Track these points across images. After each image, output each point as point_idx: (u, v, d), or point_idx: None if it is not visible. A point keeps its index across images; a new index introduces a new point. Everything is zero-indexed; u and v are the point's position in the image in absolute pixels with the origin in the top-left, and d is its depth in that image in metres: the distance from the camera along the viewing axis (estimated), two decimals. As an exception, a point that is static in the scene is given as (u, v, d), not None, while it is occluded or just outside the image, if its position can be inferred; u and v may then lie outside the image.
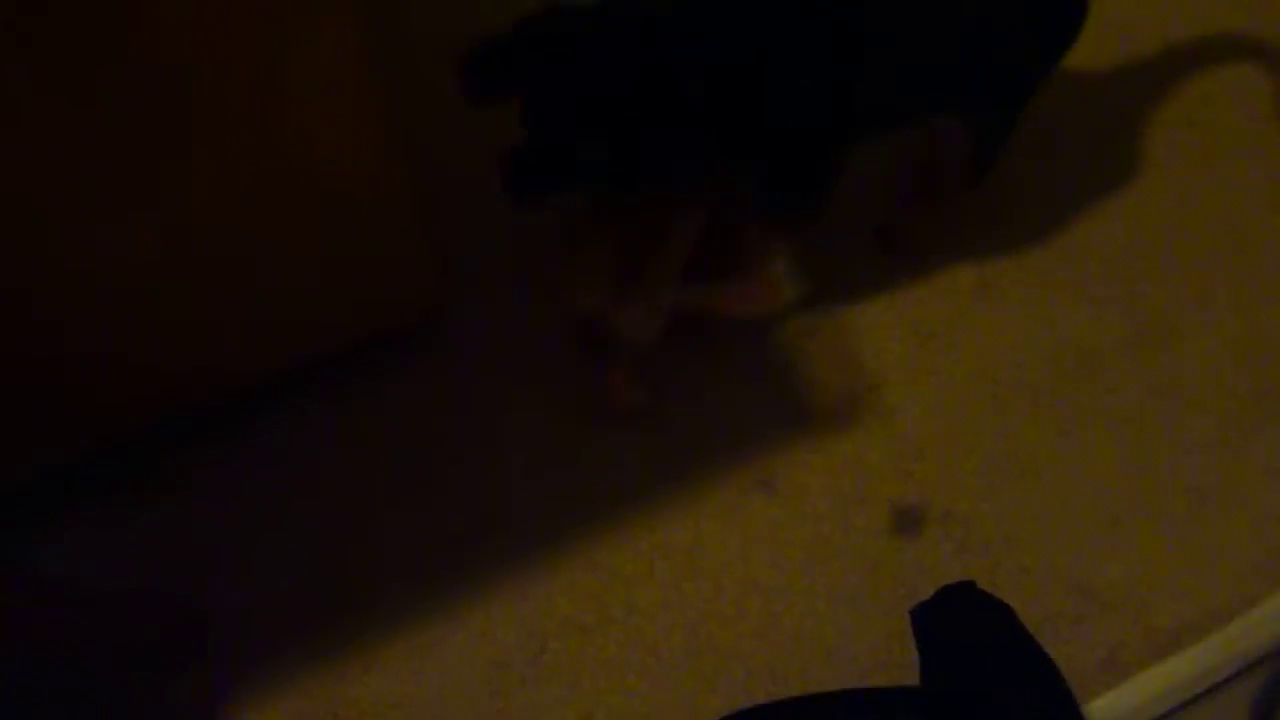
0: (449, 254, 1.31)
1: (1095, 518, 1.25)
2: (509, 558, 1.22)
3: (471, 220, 1.35)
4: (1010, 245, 1.40)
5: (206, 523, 1.23)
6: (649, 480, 1.26)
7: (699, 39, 1.04)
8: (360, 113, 0.98)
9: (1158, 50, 1.51)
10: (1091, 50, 1.47)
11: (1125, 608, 1.22)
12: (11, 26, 0.76)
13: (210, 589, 1.20)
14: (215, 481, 1.25)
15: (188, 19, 0.81)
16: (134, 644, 1.14)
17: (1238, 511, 1.27)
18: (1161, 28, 1.52)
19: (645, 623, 1.20)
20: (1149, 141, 1.46)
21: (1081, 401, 1.32)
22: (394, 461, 1.26)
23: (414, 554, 1.22)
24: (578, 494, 1.25)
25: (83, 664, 1.10)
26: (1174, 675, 1.20)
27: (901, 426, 1.30)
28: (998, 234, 1.40)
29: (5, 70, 0.78)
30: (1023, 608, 0.85)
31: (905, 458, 1.28)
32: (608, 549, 1.23)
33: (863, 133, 1.19)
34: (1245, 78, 1.50)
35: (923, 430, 1.29)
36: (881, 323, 1.35)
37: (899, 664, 1.16)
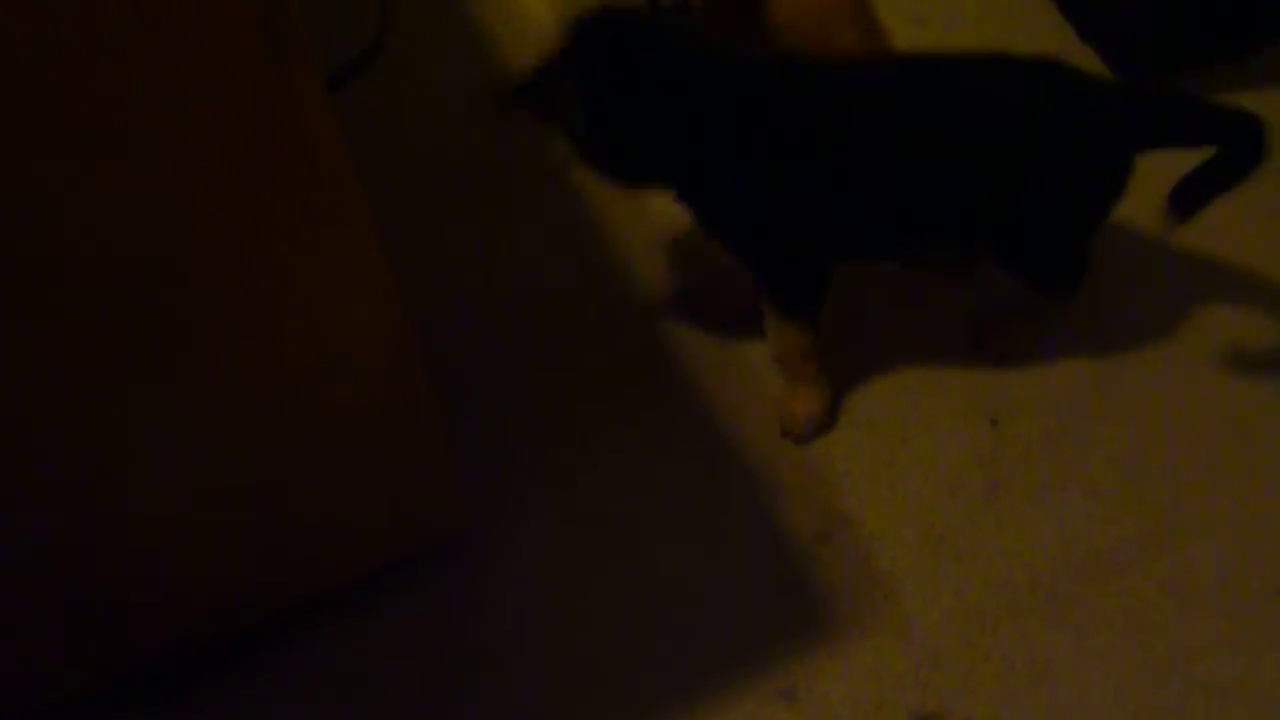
0: (472, 467, 1.37)
1: (1116, 721, 1.26)
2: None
3: (491, 430, 1.41)
4: (1016, 443, 1.43)
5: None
6: (667, 694, 1.28)
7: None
8: (374, 330, 0.97)
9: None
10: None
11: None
12: None
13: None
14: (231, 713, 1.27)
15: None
16: None
17: (1258, 710, 1.27)
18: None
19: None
20: (1145, 340, 1.50)
21: (1096, 602, 1.33)
22: (419, 683, 1.29)
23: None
24: (601, 707, 1.27)
25: None
26: None
27: (918, 633, 1.31)
28: (1003, 432, 1.44)
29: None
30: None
31: (923, 665, 1.30)
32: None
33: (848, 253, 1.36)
34: (1250, 277, 1.55)
35: (940, 636, 1.31)
36: (893, 527, 1.38)
37: None
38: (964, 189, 1.27)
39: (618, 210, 1.61)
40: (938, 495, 1.40)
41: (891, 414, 1.46)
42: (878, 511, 1.39)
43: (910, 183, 1.26)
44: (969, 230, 1.35)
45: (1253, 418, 1.45)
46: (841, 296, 1.41)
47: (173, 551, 1.07)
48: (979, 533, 1.38)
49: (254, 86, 0.68)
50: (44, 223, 0.70)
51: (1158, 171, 1.32)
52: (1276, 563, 1.35)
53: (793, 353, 1.39)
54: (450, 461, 1.21)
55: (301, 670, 1.28)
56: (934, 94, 1.25)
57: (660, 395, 1.47)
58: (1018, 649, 1.30)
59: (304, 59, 0.69)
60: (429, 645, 1.30)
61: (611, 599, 1.33)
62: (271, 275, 0.84)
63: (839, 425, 1.45)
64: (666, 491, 1.41)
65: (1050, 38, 1.80)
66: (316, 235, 0.81)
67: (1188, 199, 1.32)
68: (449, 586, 1.34)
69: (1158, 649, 1.30)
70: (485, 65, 1.75)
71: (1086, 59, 1.75)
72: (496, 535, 1.37)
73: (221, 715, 1.26)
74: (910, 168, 1.25)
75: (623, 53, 1.17)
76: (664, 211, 1.56)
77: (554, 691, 1.28)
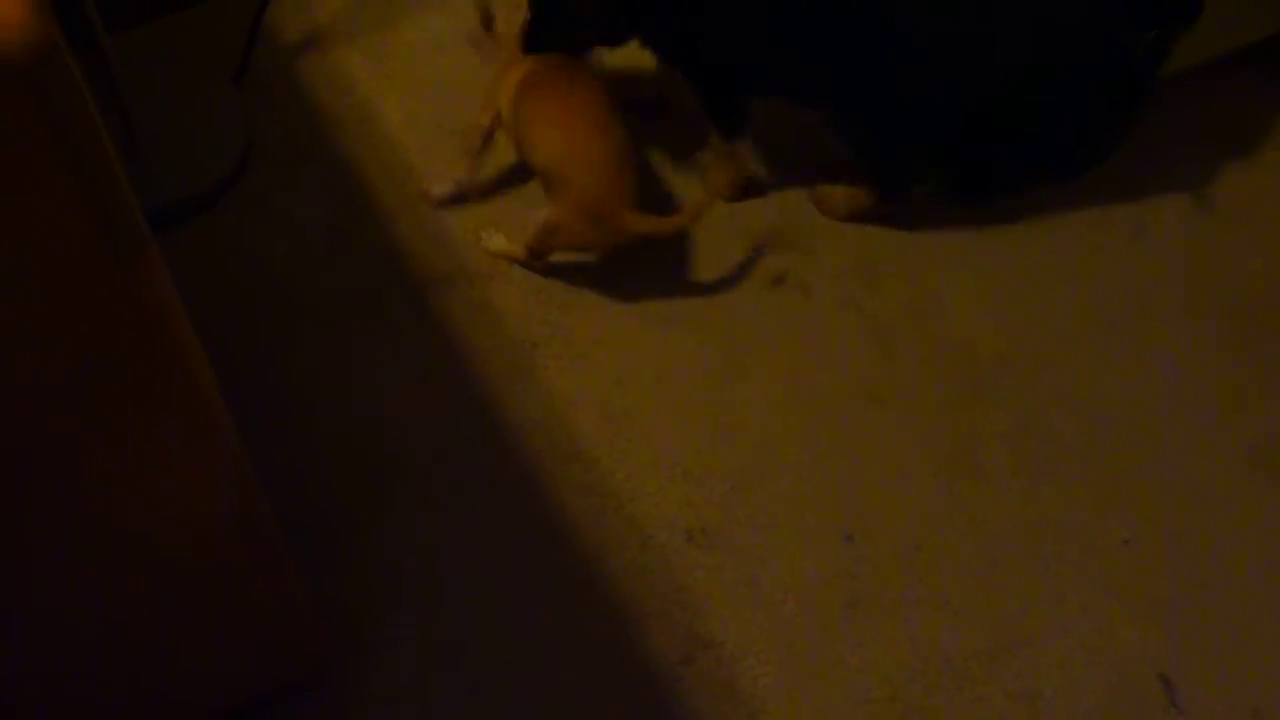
0: (326, 601, 1.36)
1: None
2: None
3: (345, 561, 1.40)
4: (871, 560, 1.48)
5: None
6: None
7: None
8: (223, 490, 0.98)
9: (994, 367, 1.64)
10: (936, 372, 1.60)
11: None
12: None
13: None
14: None
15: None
16: None
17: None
18: (1000, 342, 1.66)
19: None
20: (988, 454, 1.57)
21: (951, 712, 1.37)
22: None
23: None
24: None
25: None
26: None
27: (782, 754, 1.34)
28: (858, 549, 1.48)
29: None
30: None
31: (787, 787, 1.32)
32: None
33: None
34: (1070, 379, 1.64)
35: (802, 757, 1.34)
36: (755, 647, 1.41)
37: None
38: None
39: (476, 337, 1.63)
40: (797, 614, 1.44)
41: (751, 535, 1.49)
42: (740, 632, 1.42)
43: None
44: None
45: (1094, 524, 1.52)
46: (703, 423, 1.45)
47: (26, 692, 1.05)
48: (838, 649, 1.41)
49: (98, 282, 0.69)
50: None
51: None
52: (1119, 668, 1.41)
53: (716, 147, 1.74)
54: (302, 601, 1.21)
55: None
56: None
57: (521, 524, 1.48)
58: (878, 765, 1.34)
59: (145, 250, 0.70)
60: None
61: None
62: (124, 450, 0.85)
63: (699, 548, 1.48)
64: (527, 621, 1.41)
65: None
66: (165, 412, 0.82)
67: None
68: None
69: (1011, 759, 1.35)
70: (341, 199, 1.77)
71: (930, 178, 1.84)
72: (353, 670, 1.36)
73: None
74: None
75: None
76: (519, 335, 1.59)
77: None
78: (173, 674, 1.15)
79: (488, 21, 1.69)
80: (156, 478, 0.88)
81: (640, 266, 1.68)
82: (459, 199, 1.75)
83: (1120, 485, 1.55)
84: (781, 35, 1.58)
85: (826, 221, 1.76)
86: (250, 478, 0.98)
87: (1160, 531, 1.52)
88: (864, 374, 1.63)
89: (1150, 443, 1.60)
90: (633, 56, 1.69)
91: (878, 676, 1.40)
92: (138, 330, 0.74)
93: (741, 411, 1.59)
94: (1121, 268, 1.76)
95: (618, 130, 1.58)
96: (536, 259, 1.65)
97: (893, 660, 1.41)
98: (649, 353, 1.63)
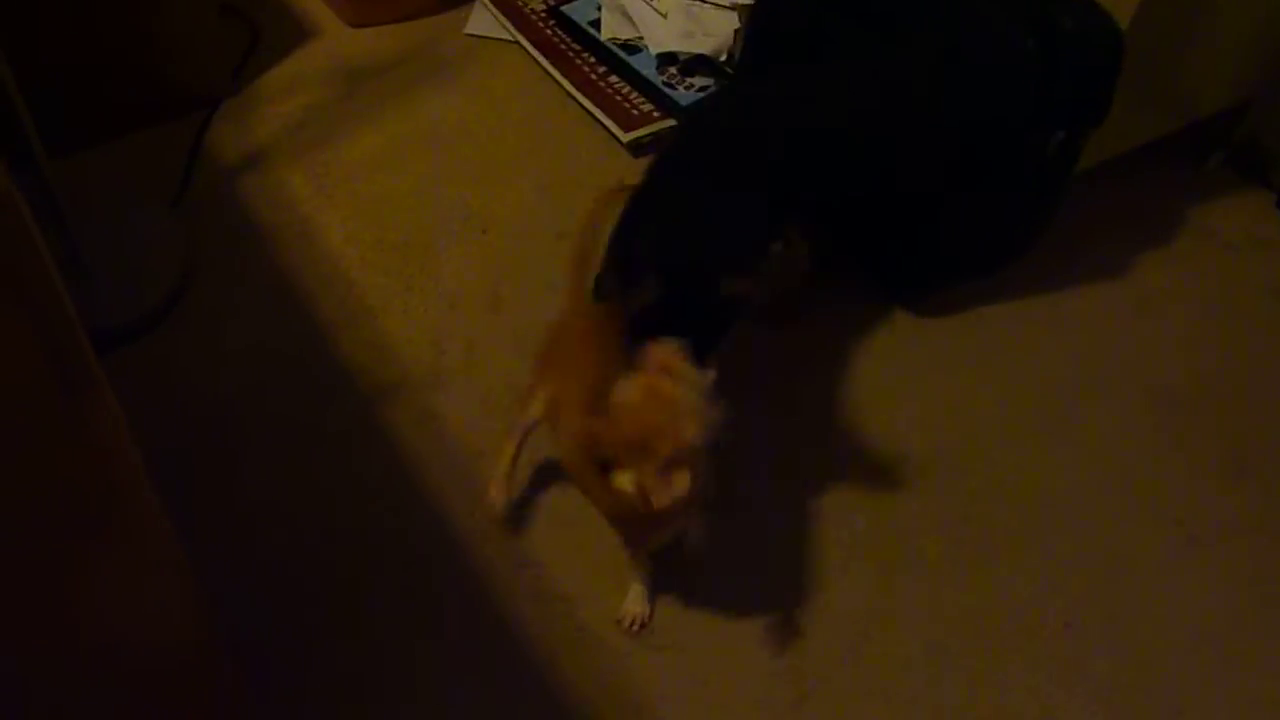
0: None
1: None
2: None
3: (291, 678, 1.40)
4: (818, 655, 1.49)
5: None
6: None
7: None
8: (167, 601, 0.98)
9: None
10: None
11: None
12: None
13: None
14: None
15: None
16: None
17: None
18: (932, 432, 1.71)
19: None
20: (927, 545, 1.60)
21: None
22: None
23: None
24: None
25: None
26: None
27: None
28: (808, 648, 1.50)
29: None
30: None
31: None
32: None
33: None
34: (1001, 468, 1.68)
35: None
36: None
37: None
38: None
39: (421, 448, 1.65)
40: (748, 711, 1.45)
41: (701, 635, 1.50)
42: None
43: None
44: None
45: (1033, 608, 1.55)
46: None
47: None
48: (791, 747, 1.42)
49: (48, 415, 0.70)
50: None
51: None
52: (1065, 750, 1.44)
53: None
54: (249, 706, 1.20)
55: None
56: None
57: (474, 631, 1.49)
58: None
59: (94, 384, 0.72)
60: None
61: None
62: (74, 576, 0.86)
63: (651, 649, 1.49)
64: (483, 731, 1.41)
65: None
66: (114, 540, 0.84)
67: None
68: None
69: None
70: (283, 317, 1.79)
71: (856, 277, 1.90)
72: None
73: None
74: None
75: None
76: (464, 444, 1.61)
77: None
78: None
79: None
80: (108, 603, 0.89)
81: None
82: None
83: (1058, 568, 1.59)
84: None
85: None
86: (200, 603, 0.99)
87: (1099, 612, 1.55)
88: (799, 470, 1.66)
89: (1083, 524, 1.64)
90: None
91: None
92: (86, 461, 0.76)
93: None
94: (1044, 357, 1.82)
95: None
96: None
97: (844, 754, 1.42)
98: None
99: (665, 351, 1.25)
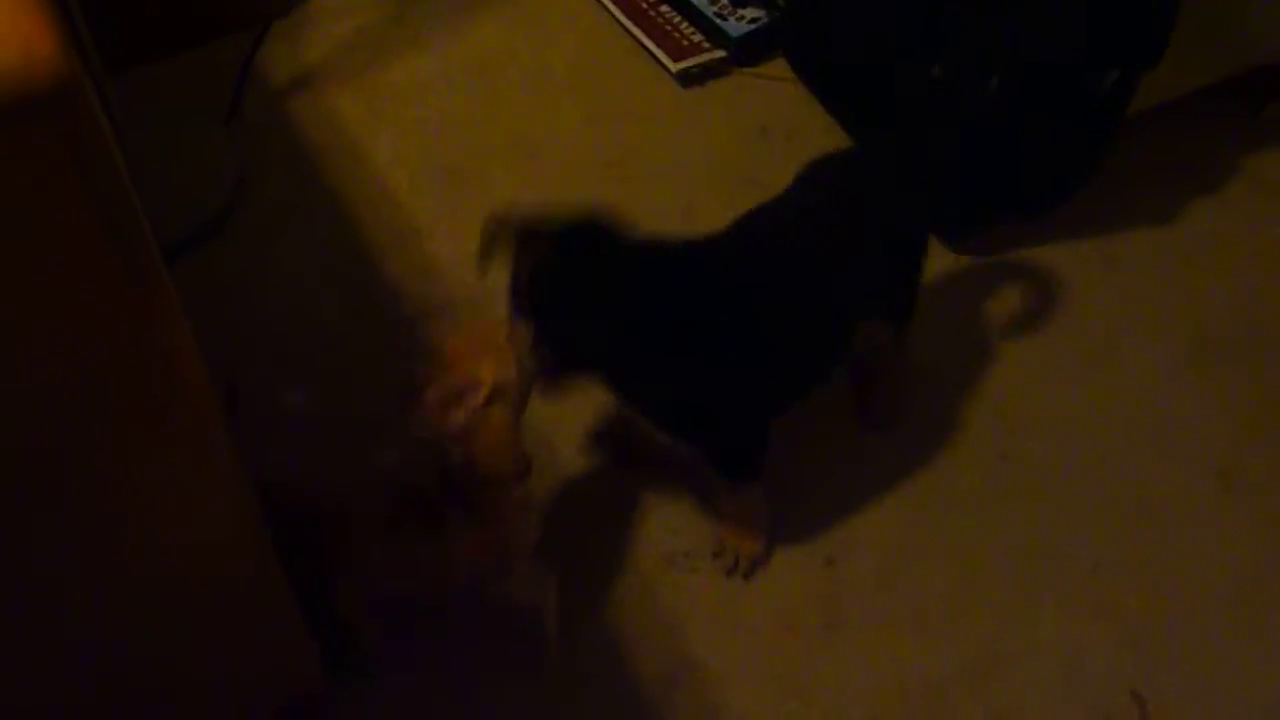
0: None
1: None
2: None
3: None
4: (850, 582, 1.51)
5: None
6: None
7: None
8: (218, 496, 1.00)
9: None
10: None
11: None
12: None
13: None
14: None
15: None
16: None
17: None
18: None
19: None
20: (963, 480, 1.61)
21: (930, 734, 1.41)
22: None
23: None
24: None
25: None
26: None
27: (764, 773, 1.37)
28: (838, 571, 1.52)
29: None
30: None
31: (770, 805, 1.35)
32: None
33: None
34: (1041, 406, 1.68)
35: (784, 776, 1.37)
36: (737, 668, 1.44)
37: None
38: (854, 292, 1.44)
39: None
40: (778, 635, 1.47)
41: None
42: (722, 653, 1.45)
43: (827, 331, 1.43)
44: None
45: (1065, 547, 1.56)
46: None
47: (23, 709, 1.07)
48: (818, 671, 1.45)
49: (115, 305, 0.73)
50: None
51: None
52: (1092, 686, 1.45)
53: (746, 507, 1.49)
54: (299, 625, 1.22)
55: None
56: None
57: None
58: (858, 785, 1.36)
59: (158, 275, 0.74)
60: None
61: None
62: (131, 467, 0.89)
63: (680, 570, 1.51)
64: (511, 639, 1.44)
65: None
66: (173, 431, 0.86)
67: None
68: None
69: (988, 776, 1.38)
70: (331, 236, 1.81)
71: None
72: (348, 694, 1.38)
73: None
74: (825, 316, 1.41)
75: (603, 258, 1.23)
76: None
77: None
78: (171, 694, 1.17)
79: None
80: (161, 496, 0.92)
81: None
82: None
83: (1091, 508, 1.60)
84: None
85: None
86: (250, 501, 1.01)
87: (1129, 554, 1.56)
88: (836, 401, 1.67)
89: (1121, 467, 1.64)
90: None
91: (856, 699, 1.43)
92: (150, 351, 0.78)
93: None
94: (1091, 298, 1.81)
95: None
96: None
97: (871, 682, 1.44)
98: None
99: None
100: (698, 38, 2.08)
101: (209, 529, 1.02)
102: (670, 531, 1.54)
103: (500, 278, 1.27)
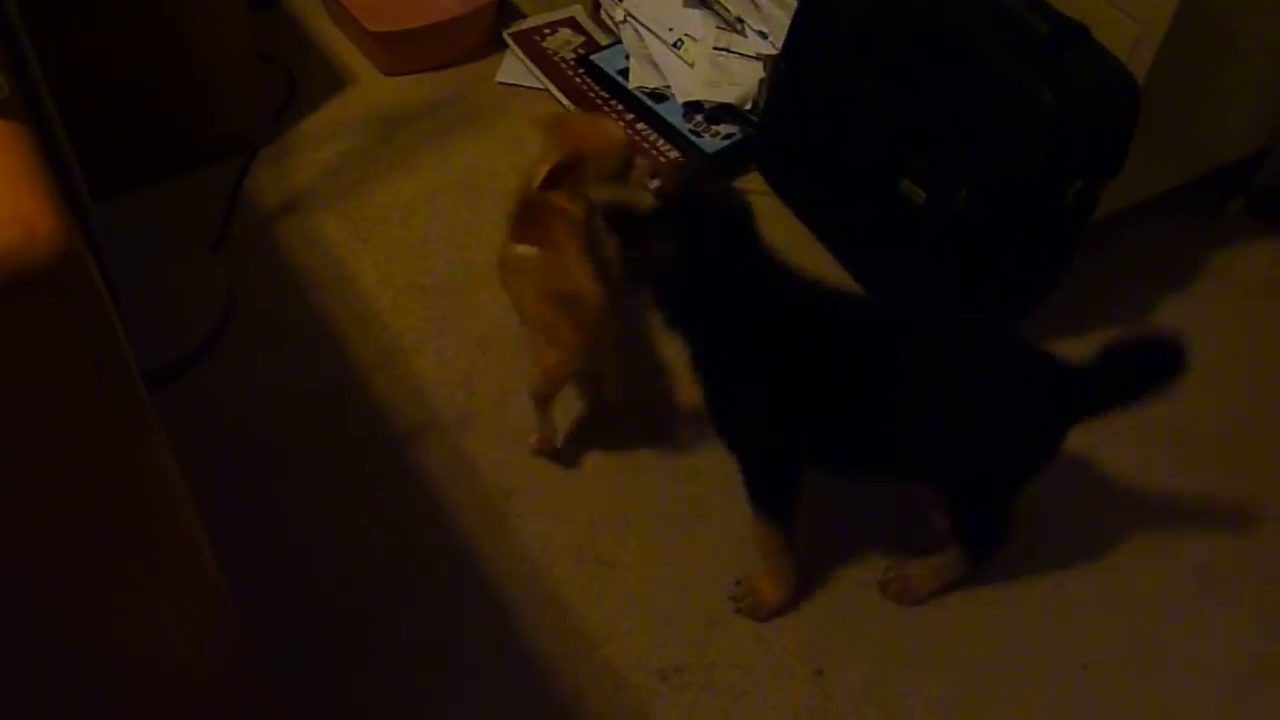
0: None
1: None
2: None
3: (324, 699, 1.43)
4: (841, 693, 1.52)
5: None
6: None
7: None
8: (208, 624, 1.04)
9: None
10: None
11: None
12: None
13: None
14: None
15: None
16: None
17: None
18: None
19: None
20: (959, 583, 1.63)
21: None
22: None
23: None
24: None
25: None
26: None
27: None
28: (829, 683, 1.52)
29: None
30: None
31: None
32: None
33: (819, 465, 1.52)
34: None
35: None
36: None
37: None
38: (916, 440, 1.44)
39: (452, 487, 1.69)
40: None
41: (725, 671, 1.53)
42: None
43: (872, 425, 1.43)
44: (920, 471, 1.53)
45: (1054, 647, 1.57)
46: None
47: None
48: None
49: (111, 460, 0.75)
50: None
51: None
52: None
53: (763, 544, 1.54)
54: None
55: None
56: (906, 352, 1.41)
57: (499, 669, 1.52)
58: None
59: (154, 431, 0.77)
60: None
61: None
62: (126, 600, 0.91)
63: (674, 687, 1.51)
64: None
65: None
66: (166, 568, 0.88)
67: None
68: None
69: None
70: (319, 358, 1.83)
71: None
72: None
73: None
74: (874, 412, 1.42)
75: (714, 224, 1.39)
76: (494, 484, 1.65)
77: None
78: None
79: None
80: (153, 625, 0.94)
81: (608, 418, 1.76)
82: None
83: (1077, 608, 1.61)
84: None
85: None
86: (239, 628, 1.03)
87: (1117, 654, 1.57)
88: (821, 509, 1.69)
89: (1104, 565, 1.66)
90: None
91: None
92: (143, 499, 0.80)
93: (710, 553, 1.64)
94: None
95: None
96: (546, 408, 1.66)
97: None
98: (619, 498, 1.69)
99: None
100: (674, 154, 2.13)
101: (198, 648, 1.04)
102: (663, 647, 1.55)
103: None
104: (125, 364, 0.72)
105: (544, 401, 1.64)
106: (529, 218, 1.65)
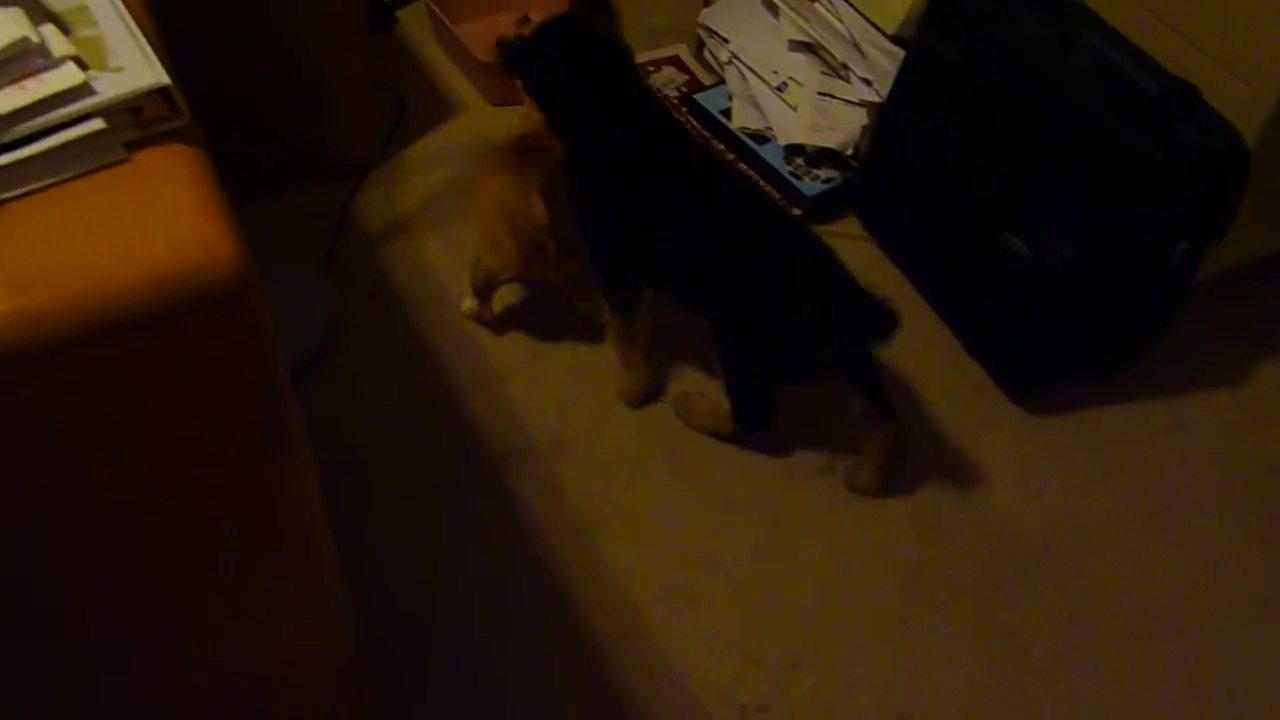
0: None
1: None
2: None
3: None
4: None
5: None
6: None
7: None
8: (328, 629, 1.10)
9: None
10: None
11: None
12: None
13: None
14: None
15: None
16: None
17: None
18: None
19: None
20: (1033, 639, 1.62)
21: None
22: None
23: None
24: None
25: None
26: None
27: None
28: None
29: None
30: None
31: None
32: None
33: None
34: (1110, 569, 1.69)
35: None
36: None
37: None
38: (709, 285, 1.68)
39: (543, 514, 1.72)
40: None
41: (806, 713, 1.54)
42: None
43: (679, 254, 1.70)
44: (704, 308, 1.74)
45: (1141, 709, 1.56)
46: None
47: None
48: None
49: (263, 476, 0.79)
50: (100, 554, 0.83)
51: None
52: None
53: (614, 335, 1.86)
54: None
55: None
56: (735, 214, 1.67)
57: (583, 697, 1.54)
58: None
59: (303, 451, 0.80)
60: None
61: None
62: (254, 594, 0.96)
63: (755, 724, 1.53)
64: None
65: (938, 348, 1.98)
66: (298, 576, 0.92)
67: None
68: None
69: None
70: (418, 378, 1.88)
71: (974, 371, 1.93)
72: None
73: None
74: (681, 245, 1.68)
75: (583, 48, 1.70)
76: (583, 514, 1.67)
77: None
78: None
79: None
80: (279, 630, 0.98)
81: (700, 452, 1.78)
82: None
83: (1165, 677, 1.60)
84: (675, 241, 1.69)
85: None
86: (354, 633, 1.07)
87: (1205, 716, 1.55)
88: (909, 555, 1.69)
89: (1191, 635, 1.64)
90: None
91: None
92: (285, 508, 0.84)
93: (794, 592, 1.66)
94: (1158, 461, 1.84)
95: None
96: (485, 296, 1.90)
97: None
98: (706, 533, 1.71)
99: None
100: (774, 196, 2.15)
101: (321, 653, 1.09)
102: (744, 683, 1.56)
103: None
104: (283, 380, 0.76)
105: (483, 290, 1.90)
106: (507, 149, 1.85)
